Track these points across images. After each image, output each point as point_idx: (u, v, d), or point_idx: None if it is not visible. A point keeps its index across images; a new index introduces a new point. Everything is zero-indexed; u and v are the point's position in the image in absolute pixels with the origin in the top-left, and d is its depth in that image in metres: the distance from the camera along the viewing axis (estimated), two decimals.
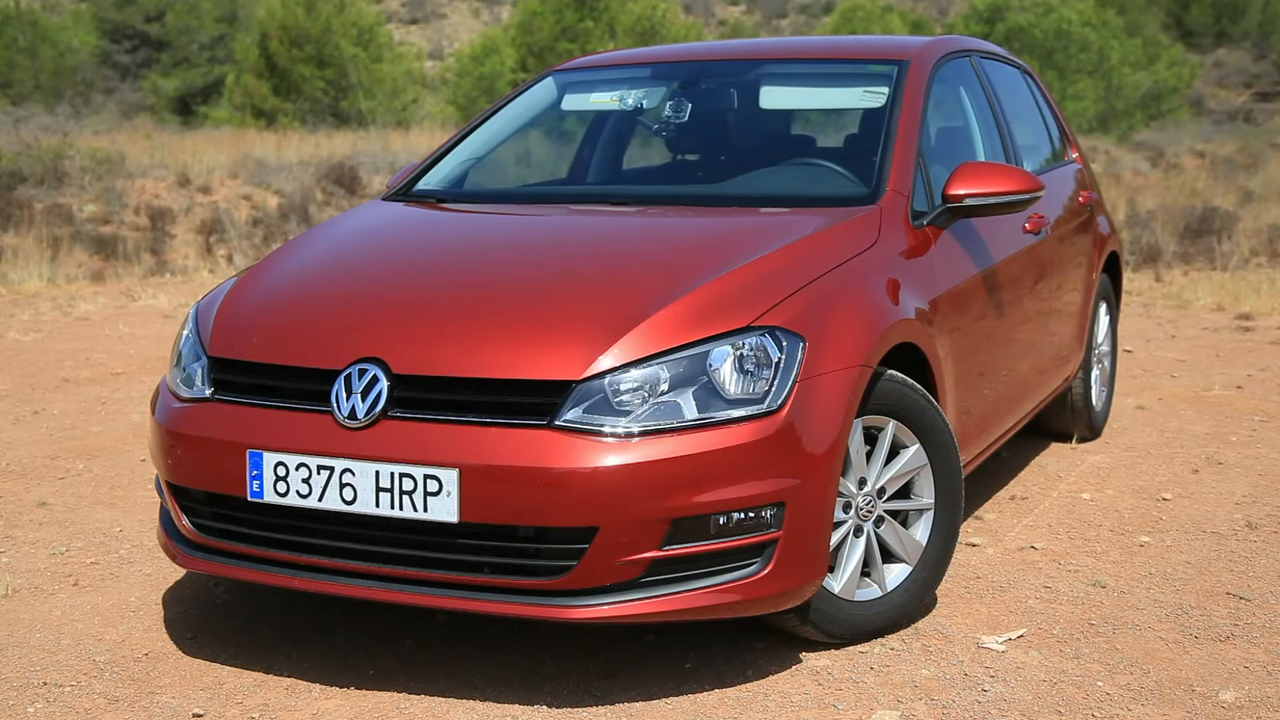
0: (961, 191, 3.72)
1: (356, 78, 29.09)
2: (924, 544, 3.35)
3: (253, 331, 3.25)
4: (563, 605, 2.82)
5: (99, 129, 21.27)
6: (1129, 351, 7.54)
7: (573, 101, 4.72)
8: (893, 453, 3.28)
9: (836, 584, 3.17)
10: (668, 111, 4.52)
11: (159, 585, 3.79)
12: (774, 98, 4.53)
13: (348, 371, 2.98)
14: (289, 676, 3.12)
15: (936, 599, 3.56)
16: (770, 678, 3.07)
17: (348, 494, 2.89)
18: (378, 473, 2.86)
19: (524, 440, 2.80)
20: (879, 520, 3.27)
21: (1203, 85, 36.98)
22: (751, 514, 2.86)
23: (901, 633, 3.33)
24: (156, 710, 2.96)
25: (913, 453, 3.30)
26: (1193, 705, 2.94)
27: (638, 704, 2.94)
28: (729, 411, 2.85)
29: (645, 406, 2.83)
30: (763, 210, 3.73)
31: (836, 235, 3.41)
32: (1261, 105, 36.74)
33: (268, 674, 3.14)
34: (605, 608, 2.81)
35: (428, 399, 2.91)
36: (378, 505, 2.87)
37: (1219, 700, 2.96)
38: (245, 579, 3.12)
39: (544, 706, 2.93)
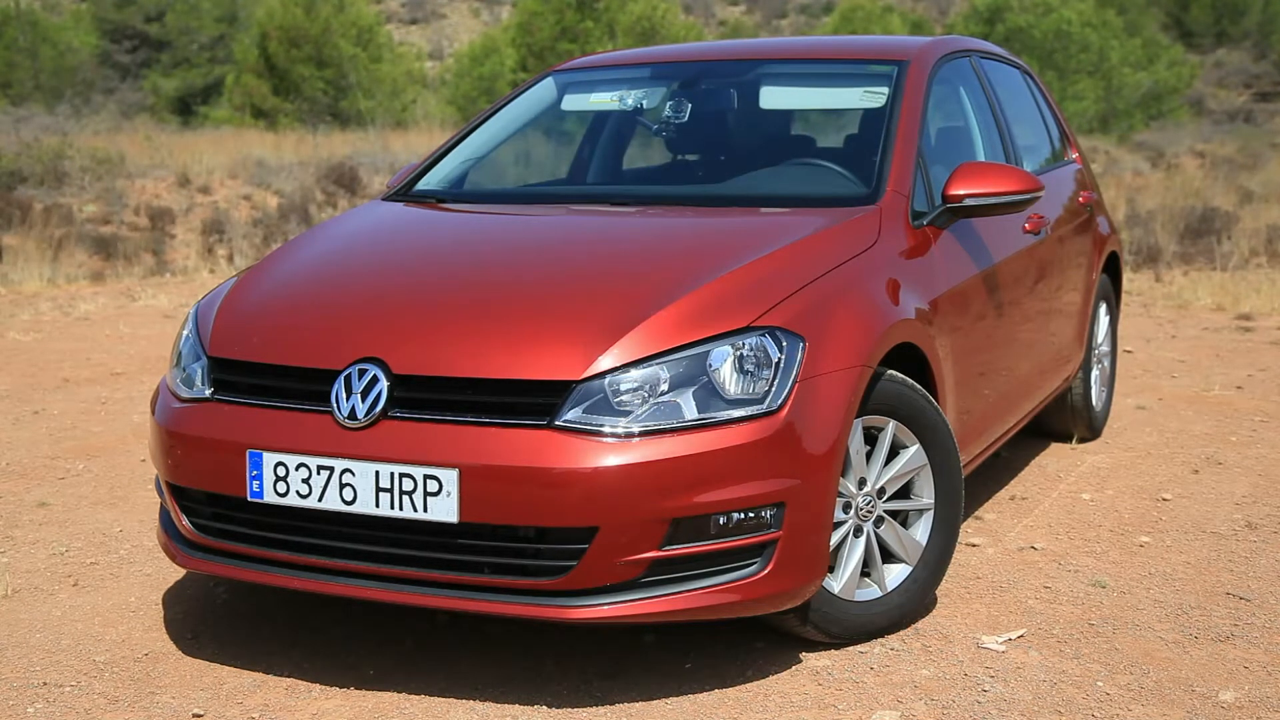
0: (961, 191, 3.72)
1: (356, 78, 29.10)
2: (924, 544, 3.35)
3: (253, 332, 3.25)
4: (563, 605, 2.82)
5: (99, 129, 21.26)
6: (1129, 351, 7.54)
7: (573, 102, 4.72)
8: (893, 453, 3.28)
9: (836, 584, 3.17)
10: (668, 112, 4.52)
11: (159, 585, 3.79)
12: (774, 98, 4.53)
13: (348, 372, 2.98)
14: (289, 676, 3.13)
15: (936, 599, 3.56)
16: (770, 678, 3.07)
17: (347, 494, 2.89)
18: (377, 473, 2.86)
19: (524, 440, 2.80)
20: (879, 520, 3.27)
21: (1203, 85, 36.97)
22: (751, 514, 2.86)
23: (901, 633, 3.33)
24: (156, 710, 2.96)
25: (913, 453, 3.30)
26: (1193, 705, 2.94)
27: (638, 704, 2.94)
28: (729, 411, 2.85)
29: (645, 406, 2.83)
30: (763, 210, 3.74)
31: (836, 235, 3.41)
32: (1261, 105, 36.71)
33: (268, 674, 3.14)
34: (605, 608, 2.81)
35: (428, 399, 2.91)
36: (377, 505, 2.87)
37: (1219, 700, 2.96)
38: (245, 579, 3.12)
39: (544, 706, 2.93)
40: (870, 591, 3.28)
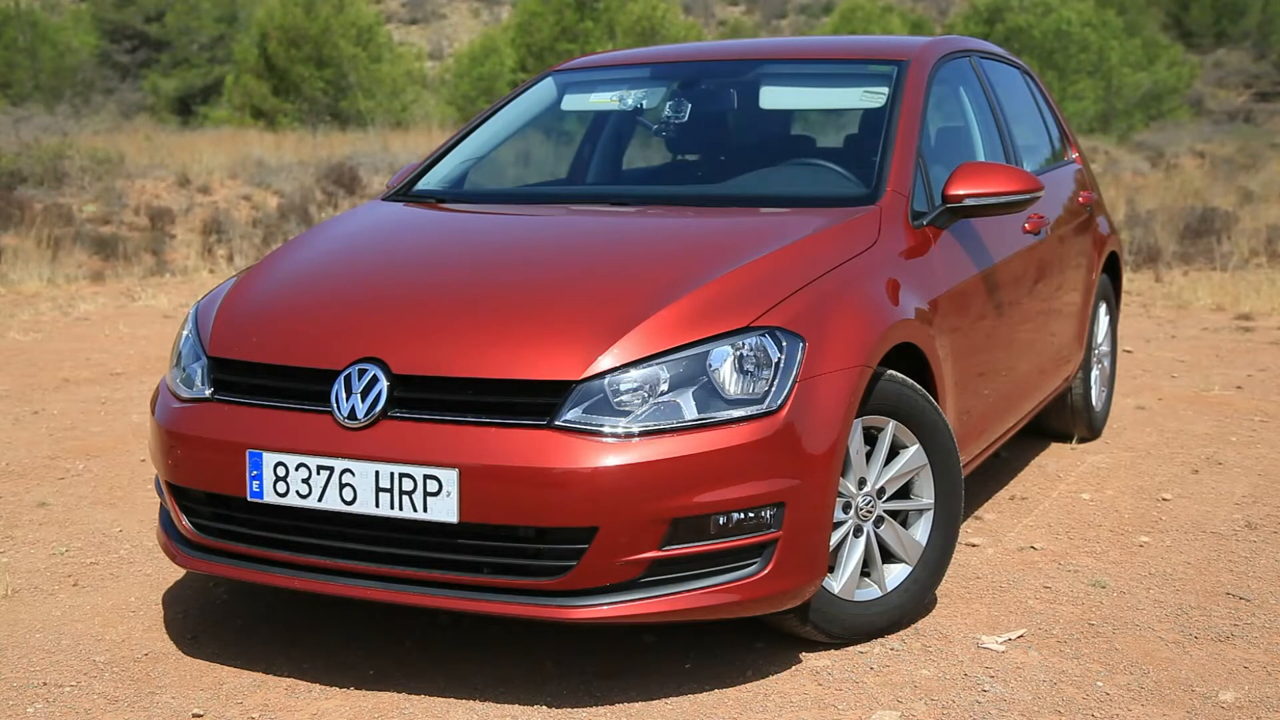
0: (961, 191, 3.72)
1: (356, 78, 29.09)
2: (924, 544, 3.35)
3: (252, 332, 3.25)
4: (563, 605, 2.82)
5: (99, 129, 21.27)
6: (1129, 351, 7.54)
7: (572, 102, 4.72)
8: (892, 453, 3.28)
9: (836, 584, 3.17)
10: (667, 111, 4.52)
11: (159, 585, 3.79)
12: (774, 98, 4.53)
13: (347, 372, 2.98)
14: (289, 676, 3.13)
15: (936, 599, 3.56)
16: (770, 678, 3.07)
17: (347, 494, 2.89)
18: (377, 473, 2.86)
19: (524, 440, 2.80)
20: (879, 520, 3.27)
21: (1203, 85, 36.97)
22: (751, 514, 2.86)
23: (901, 633, 3.33)
24: (156, 710, 2.96)
25: (912, 453, 3.30)
26: (1193, 705, 2.94)
27: (638, 704, 2.94)
28: (729, 412, 2.85)
29: (645, 407, 2.83)
30: (763, 210, 3.73)
31: (836, 235, 3.41)
32: (1261, 105, 36.72)
33: (268, 674, 3.14)
34: (605, 608, 2.81)
35: (427, 399, 2.91)
36: (377, 505, 2.87)
37: (1219, 700, 2.96)
38: (245, 579, 3.12)
39: (544, 706, 2.93)
40: (870, 591, 3.28)
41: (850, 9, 39.63)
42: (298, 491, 2.94)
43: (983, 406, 3.95)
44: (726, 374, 2.89)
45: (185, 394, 3.25)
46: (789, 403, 2.88)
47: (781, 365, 2.91)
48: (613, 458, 2.77)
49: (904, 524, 3.35)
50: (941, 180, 3.84)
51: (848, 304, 3.15)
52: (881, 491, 3.26)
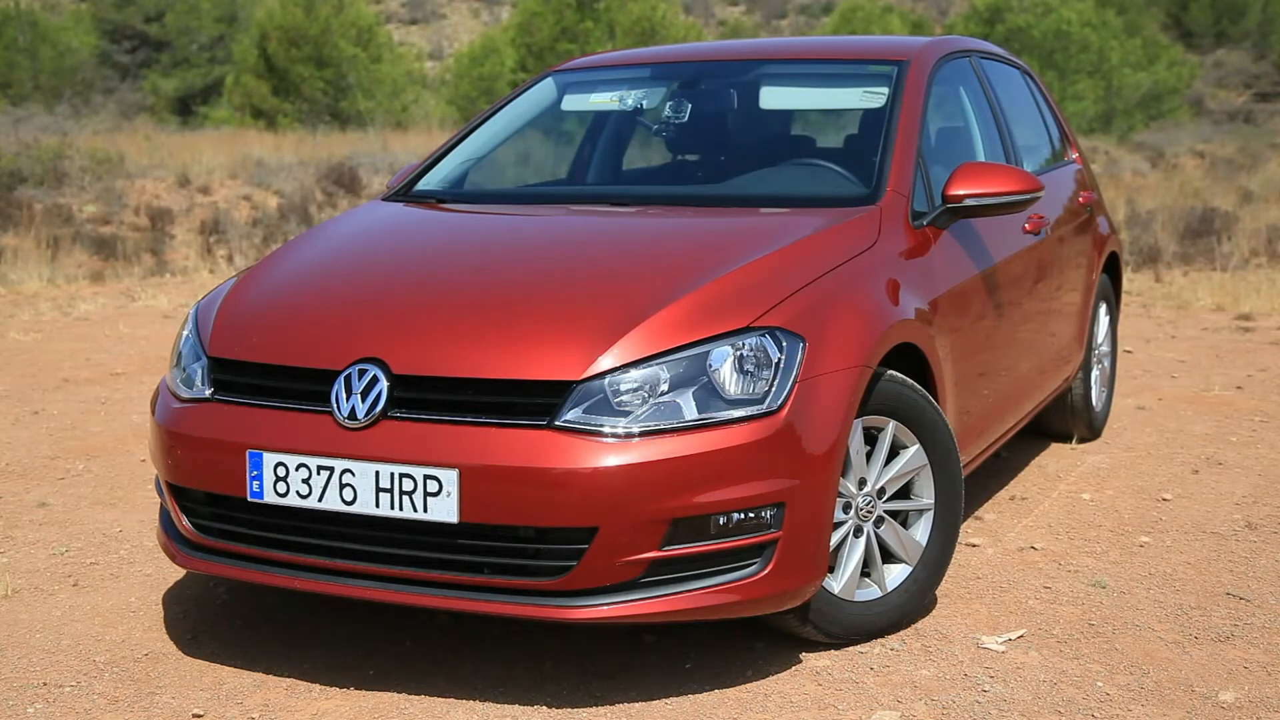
0: (961, 192, 3.72)
1: (356, 78, 29.10)
2: (924, 544, 3.35)
3: (253, 332, 3.25)
4: (563, 605, 2.82)
5: (99, 129, 21.29)
6: (1129, 352, 7.54)
7: (572, 102, 4.72)
8: (893, 453, 3.28)
9: (836, 584, 3.17)
10: (667, 112, 4.52)
11: (159, 585, 3.79)
12: (774, 98, 4.53)
13: (348, 372, 2.98)
14: (289, 676, 3.13)
15: (936, 599, 3.56)
16: (770, 678, 3.07)
17: (347, 494, 2.89)
18: (377, 473, 2.86)
19: (524, 440, 2.80)
20: (879, 520, 3.27)
21: (1203, 85, 36.98)
22: (751, 514, 2.86)
23: (901, 633, 3.33)
24: (156, 710, 2.96)
25: (913, 453, 3.30)
26: (1193, 705, 2.94)
27: (638, 704, 2.94)
28: (729, 412, 2.85)
29: (645, 407, 2.83)
30: (763, 210, 3.74)
31: (836, 236, 3.41)
32: (1261, 105, 36.74)
33: (268, 674, 3.14)
34: (605, 608, 2.81)
35: (428, 399, 2.91)
36: (377, 505, 2.87)
37: (1219, 700, 2.96)
38: (245, 579, 3.12)
39: (544, 706, 2.94)
40: (870, 591, 3.28)
41: (850, 9, 39.62)
42: (298, 492, 2.94)
43: (983, 406, 3.95)
44: (726, 374, 2.89)
45: (185, 394, 3.26)
46: (789, 403, 2.88)
47: (781, 365, 2.91)
48: (613, 458, 2.77)
49: (904, 524, 3.35)
50: (941, 180, 3.84)
51: (848, 304, 3.15)
52: (882, 492, 3.26)
